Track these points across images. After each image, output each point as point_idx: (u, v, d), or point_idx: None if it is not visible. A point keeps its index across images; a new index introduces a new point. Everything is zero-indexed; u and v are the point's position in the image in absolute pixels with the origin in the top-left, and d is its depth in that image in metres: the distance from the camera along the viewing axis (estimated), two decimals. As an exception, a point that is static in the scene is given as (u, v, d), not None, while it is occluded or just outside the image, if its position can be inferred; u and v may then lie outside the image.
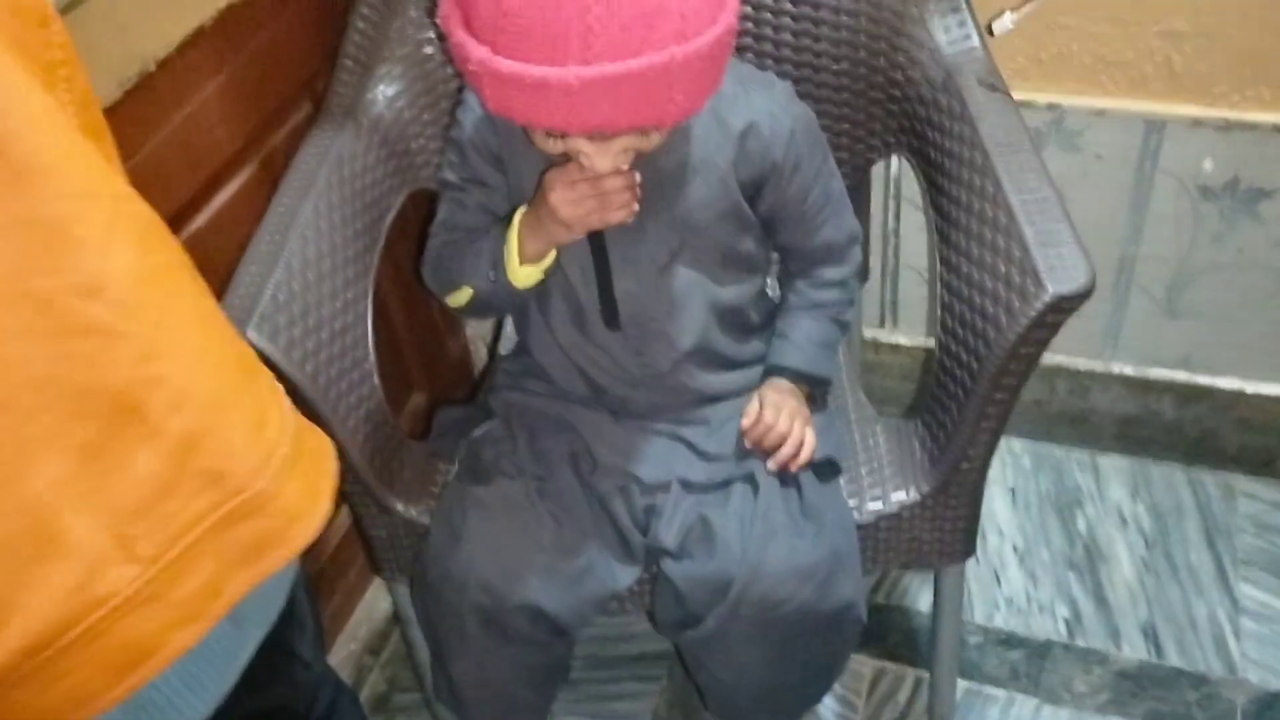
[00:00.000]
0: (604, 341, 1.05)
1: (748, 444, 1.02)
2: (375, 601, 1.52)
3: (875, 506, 1.04)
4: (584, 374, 1.07)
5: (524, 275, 0.99)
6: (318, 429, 0.71)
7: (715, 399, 1.07)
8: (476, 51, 0.79)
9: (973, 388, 0.94)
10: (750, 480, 1.00)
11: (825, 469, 1.02)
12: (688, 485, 1.02)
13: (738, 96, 0.99)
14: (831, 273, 1.08)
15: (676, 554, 0.99)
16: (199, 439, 0.59)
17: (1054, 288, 0.86)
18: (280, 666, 0.79)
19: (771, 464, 1.00)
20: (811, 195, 1.04)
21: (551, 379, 1.09)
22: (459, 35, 0.80)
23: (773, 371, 1.06)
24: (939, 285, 1.02)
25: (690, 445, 1.04)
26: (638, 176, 0.92)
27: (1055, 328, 0.89)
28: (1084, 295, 0.86)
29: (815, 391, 1.07)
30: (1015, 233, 0.91)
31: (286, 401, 0.68)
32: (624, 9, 0.74)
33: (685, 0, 0.76)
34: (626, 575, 1.02)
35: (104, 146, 0.67)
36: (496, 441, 1.05)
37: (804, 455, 1.01)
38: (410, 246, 1.47)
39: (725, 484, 1.01)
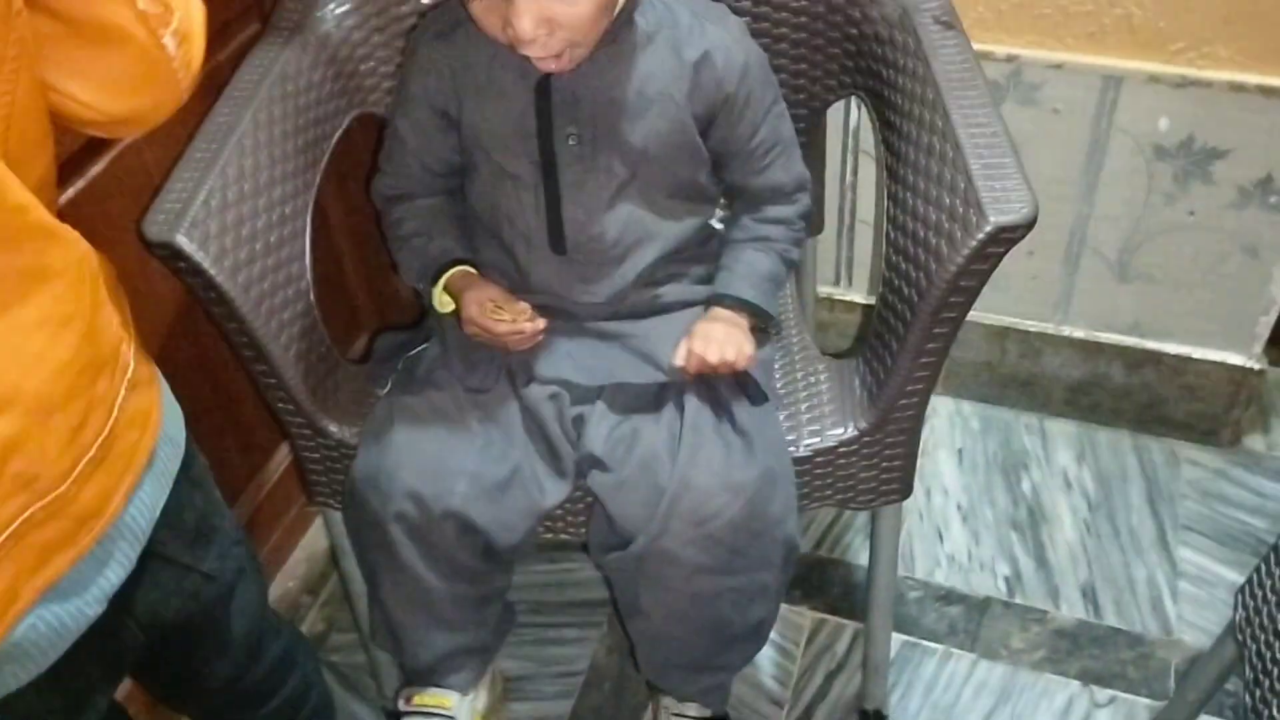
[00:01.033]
0: (549, 265, 1.05)
1: (687, 373, 0.99)
2: (315, 541, 1.50)
3: (813, 442, 1.03)
4: (528, 292, 1.06)
5: (446, 304, 1.06)
6: (147, 421, 0.71)
7: (653, 312, 1.06)
8: None
9: (913, 322, 0.93)
10: (680, 399, 0.99)
11: (754, 391, 1.02)
12: (620, 391, 1.01)
13: (693, 28, 1.00)
14: (776, 211, 1.09)
15: (605, 464, 0.98)
16: (18, 444, 0.59)
17: (996, 218, 0.85)
18: (163, 581, 0.78)
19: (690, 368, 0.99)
20: (760, 133, 1.04)
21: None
22: None
23: (714, 301, 1.05)
24: (885, 223, 1.02)
25: (625, 346, 1.03)
26: (541, 324, 1.01)
27: (996, 260, 0.88)
28: (1026, 226, 0.86)
29: (758, 323, 1.05)
30: (961, 165, 0.91)
31: (121, 397, 0.68)
32: None
33: None
34: (556, 491, 1.01)
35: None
36: (432, 358, 1.04)
37: (740, 362, 0.98)
38: (361, 187, 1.45)
39: (658, 394, 1.00)
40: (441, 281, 1.05)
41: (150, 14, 0.66)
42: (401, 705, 1.13)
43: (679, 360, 1.00)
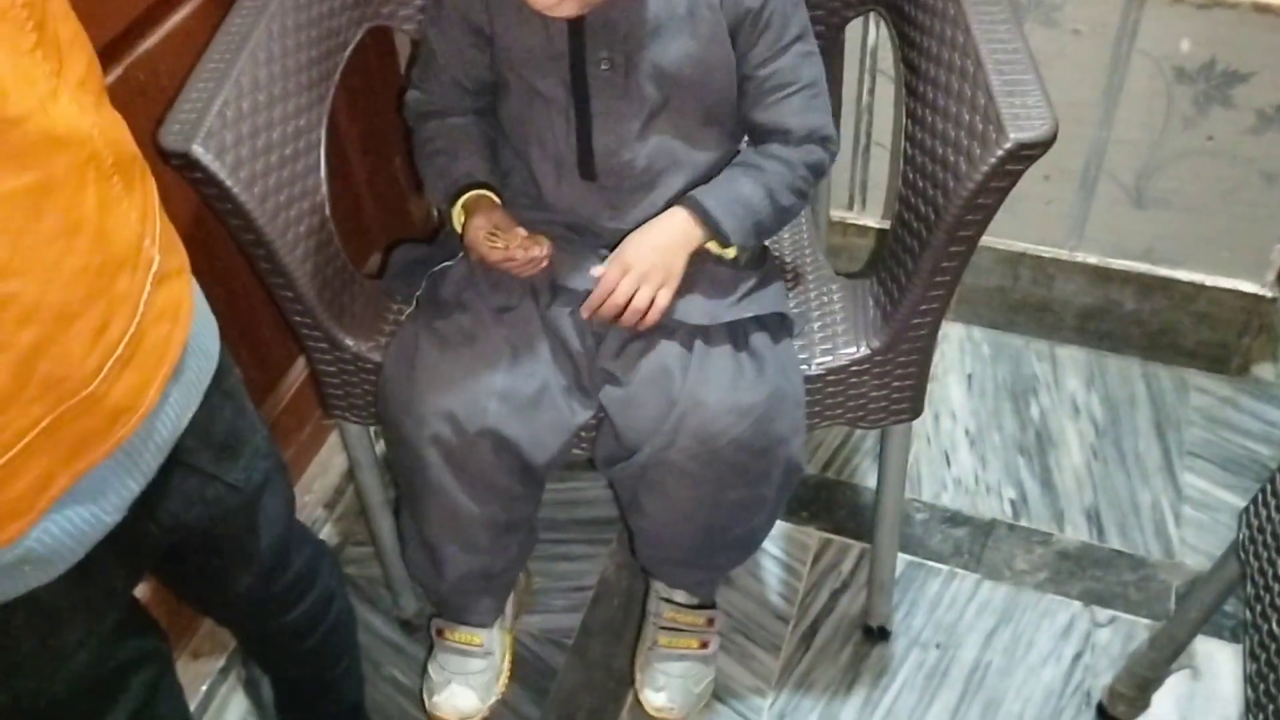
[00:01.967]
0: (577, 190, 1.05)
1: (584, 312, 0.98)
2: (330, 456, 1.52)
3: (825, 361, 1.04)
4: (555, 214, 1.07)
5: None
6: (179, 312, 0.72)
7: None
8: None
9: (929, 240, 0.93)
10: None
11: (776, 325, 1.02)
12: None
13: None
14: (779, 148, 1.03)
15: (616, 378, 0.99)
16: (43, 349, 0.60)
17: (1015, 134, 0.85)
18: (187, 489, 0.79)
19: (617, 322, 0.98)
20: (774, 65, 1.01)
21: (521, 216, 1.08)
22: None
23: (677, 203, 1.01)
24: (903, 140, 1.01)
25: None
26: (537, 252, 0.98)
27: (1015, 178, 0.88)
28: (1045, 144, 0.85)
29: (717, 240, 1.01)
30: (982, 81, 0.90)
31: (146, 293, 0.68)
32: None
33: None
34: (584, 408, 1.02)
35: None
36: (457, 277, 1.05)
37: (649, 318, 0.97)
38: (373, 103, 1.44)
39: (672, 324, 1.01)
40: (460, 203, 1.05)
41: None
42: (435, 636, 1.19)
43: (596, 272, 0.99)
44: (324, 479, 1.51)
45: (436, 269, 1.07)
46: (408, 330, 1.04)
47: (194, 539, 0.85)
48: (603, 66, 0.98)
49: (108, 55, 1.01)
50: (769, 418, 0.98)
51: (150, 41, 1.06)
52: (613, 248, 1.04)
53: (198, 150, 0.89)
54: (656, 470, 0.99)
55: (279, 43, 1.00)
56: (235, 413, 0.84)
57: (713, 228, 1.00)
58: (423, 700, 1.23)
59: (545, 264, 1.01)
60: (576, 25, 0.97)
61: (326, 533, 1.48)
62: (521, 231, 1.01)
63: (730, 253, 1.02)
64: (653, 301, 0.97)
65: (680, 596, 1.17)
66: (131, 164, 0.70)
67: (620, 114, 1.00)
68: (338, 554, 1.46)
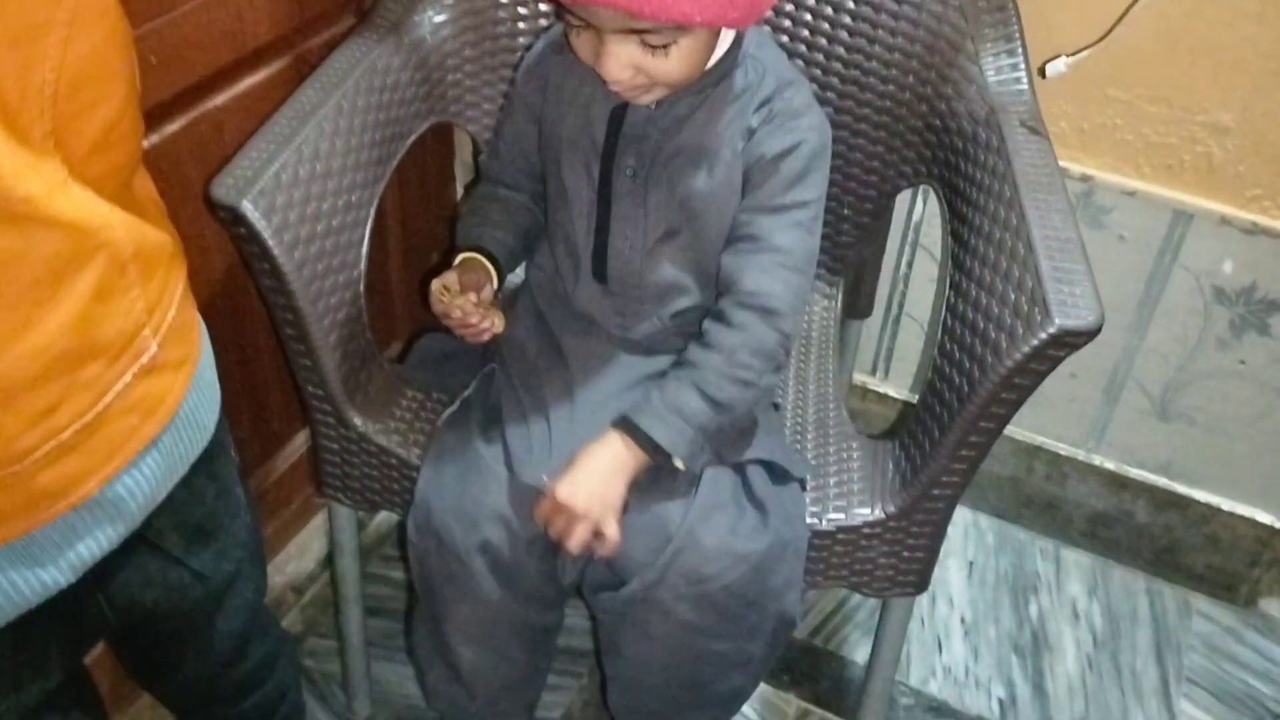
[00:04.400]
0: (591, 291, 1.06)
1: (538, 519, 0.94)
2: (310, 540, 1.48)
3: (836, 518, 1.01)
4: (574, 313, 1.08)
5: None
6: (158, 408, 0.68)
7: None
8: None
9: (959, 412, 0.92)
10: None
11: (777, 471, 1.00)
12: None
13: (773, 93, 0.98)
14: (718, 333, 0.95)
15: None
16: None
17: (1061, 320, 0.84)
18: (148, 569, 0.76)
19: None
20: (757, 216, 0.97)
21: (544, 315, 1.09)
22: None
23: (615, 423, 0.95)
24: (944, 311, 1.00)
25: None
26: (488, 323, 0.98)
27: (1054, 364, 0.87)
28: (1090, 334, 0.85)
29: (660, 460, 0.94)
30: (1031, 264, 0.90)
31: (122, 383, 0.64)
32: None
33: None
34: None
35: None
36: (501, 387, 1.04)
37: (603, 550, 0.93)
38: (424, 198, 1.46)
39: None
40: (459, 260, 1.04)
41: None
42: None
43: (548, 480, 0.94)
44: (299, 562, 1.46)
45: (485, 370, 1.06)
46: (453, 435, 1.02)
47: (148, 622, 0.80)
48: (627, 172, 1.00)
49: (175, 105, 1.03)
50: (766, 568, 0.95)
51: (219, 99, 1.08)
52: (626, 349, 1.04)
53: (246, 206, 0.89)
54: (642, 608, 0.95)
55: (347, 119, 1.01)
56: (217, 496, 0.80)
57: (647, 447, 0.93)
58: None
59: (485, 337, 0.98)
60: (614, 126, 0.99)
61: (291, 618, 1.42)
62: (472, 297, 0.98)
63: (680, 463, 0.95)
64: (597, 535, 0.92)
65: None
66: (154, 253, 0.67)
67: (636, 225, 1.01)
68: (299, 642, 1.40)
